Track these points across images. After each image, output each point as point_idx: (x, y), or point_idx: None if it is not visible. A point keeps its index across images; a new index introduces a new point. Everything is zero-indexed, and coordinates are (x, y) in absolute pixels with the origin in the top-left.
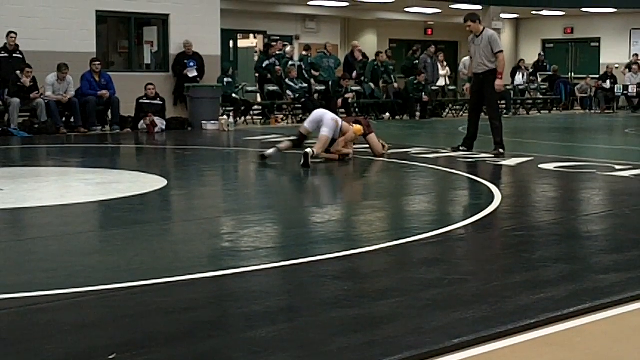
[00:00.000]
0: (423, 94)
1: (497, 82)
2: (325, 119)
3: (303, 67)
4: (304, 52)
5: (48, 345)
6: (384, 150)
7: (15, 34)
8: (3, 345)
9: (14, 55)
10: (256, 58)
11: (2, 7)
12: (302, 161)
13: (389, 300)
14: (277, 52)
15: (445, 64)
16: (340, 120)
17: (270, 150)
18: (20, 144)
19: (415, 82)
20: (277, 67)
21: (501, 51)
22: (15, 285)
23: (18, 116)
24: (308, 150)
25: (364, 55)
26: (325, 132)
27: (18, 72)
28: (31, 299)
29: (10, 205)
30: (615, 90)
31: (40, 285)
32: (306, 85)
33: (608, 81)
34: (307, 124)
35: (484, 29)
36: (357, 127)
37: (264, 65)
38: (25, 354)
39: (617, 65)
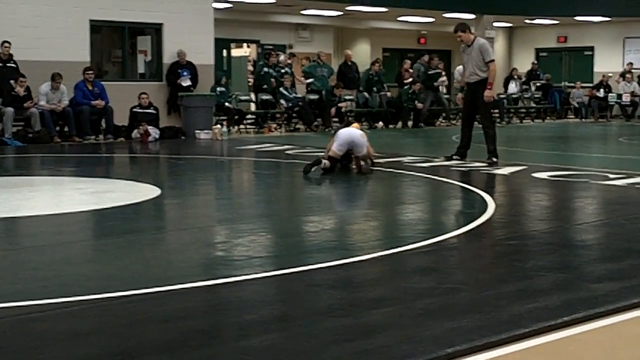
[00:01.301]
0: (417, 102)
1: (487, 93)
2: (356, 137)
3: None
4: (288, 61)
5: (42, 355)
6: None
7: (10, 43)
8: None
9: (8, 64)
10: (250, 67)
11: None
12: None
13: (383, 310)
14: (274, 63)
15: (444, 72)
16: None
17: (326, 162)
18: (14, 153)
19: (410, 91)
20: (272, 80)
21: (492, 60)
22: (9, 295)
23: (12, 125)
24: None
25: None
26: (365, 150)
27: (12, 81)
28: (25, 308)
29: (4, 214)
30: (609, 99)
31: (34, 294)
32: (300, 95)
33: (602, 90)
34: (337, 148)
35: (474, 38)
36: (355, 124)
37: (262, 73)
38: None
39: (610, 74)
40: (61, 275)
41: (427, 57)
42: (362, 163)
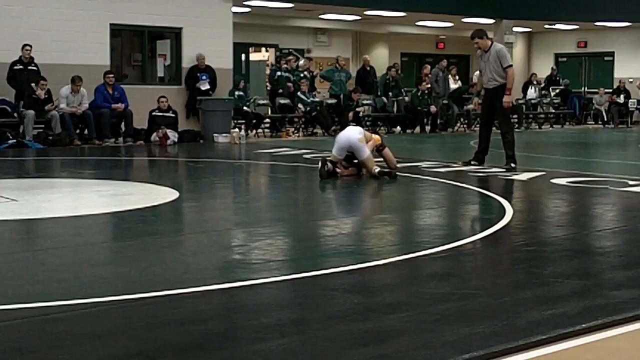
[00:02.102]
0: (429, 102)
1: (505, 99)
2: (353, 142)
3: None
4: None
5: (61, 355)
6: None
7: (30, 46)
8: (17, 354)
9: (29, 67)
10: (267, 71)
11: (18, 20)
12: (323, 170)
13: (399, 314)
14: (293, 68)
15: (457, 77)
16: (363, 131)
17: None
18: (34, 156)
19: (419, 93)
20: (289, 84)
21: (510, 66)
22: (29, 295)
23: (33, 128)
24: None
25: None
26: (366, 153)
27: (33, 84)
28: (44, 309)
29: (25, 216)
30: (629, 105)
31: (54, 296)
32: (318, 99)
33: (622, 95)
34: (335, 152)
35: (492, 44)
36: (377, 136)
37: (275, 77)
38: None
39: (631, 80)
40: (80, 276)
41: (445, 62)
42: (376, 169)
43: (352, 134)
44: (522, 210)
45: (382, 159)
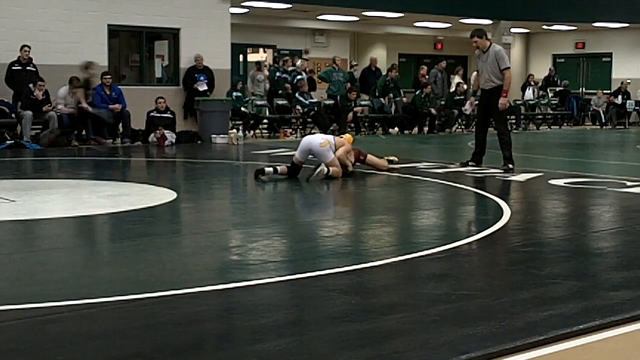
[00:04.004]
0: (429, 105)
1: (501, 101)
2: (314, 146)
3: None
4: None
5: (58, 356)
6: (392, 164)
7: (29, 47)
8: (14, 355)
9: (28, 68)
10: (265, 72)
11: (16, 21)
12: (312, 176)
13: (397, 315)
14: (291, 68)
15: (462, 80)
16: (331, 138)
17: (269, 169)
18: (32, 156)
19: (422, 95)
20: (287, 85)
21: (508, 68)
22: (26, 296)
23: (30, 129)
24: (323, 168)
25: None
26: (329, 157)
27: (31, 85)
28: (41, 310)
29: (22, 216)
30: (627, 106)
31: (51, 296)
32: (316, 100)
33: (620, 96)
34: (297, 154)
35: (490, 44)
36: (347, 135)
37: (275, 78)
38: None
39: (629, 81)
40: (78, 277)
41: (444, 63)
42: (332, 169)
43: (315, 139)
44: (520, 211)
45: (370, 167)
